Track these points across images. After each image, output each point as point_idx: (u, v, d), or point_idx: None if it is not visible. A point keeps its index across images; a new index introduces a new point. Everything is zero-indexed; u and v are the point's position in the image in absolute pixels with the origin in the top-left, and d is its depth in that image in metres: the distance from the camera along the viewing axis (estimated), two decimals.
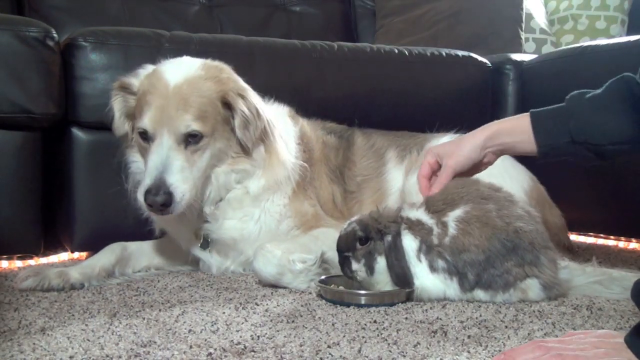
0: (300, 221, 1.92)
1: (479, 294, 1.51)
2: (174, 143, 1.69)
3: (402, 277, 1.51)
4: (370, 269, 1.55)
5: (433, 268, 1.51)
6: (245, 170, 1.84)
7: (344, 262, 1.58)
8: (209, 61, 1.85)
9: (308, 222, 1.92)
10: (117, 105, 1.85)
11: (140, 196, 1.68)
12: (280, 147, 1.88)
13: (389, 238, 1.52)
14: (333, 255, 1.72)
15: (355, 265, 1.56)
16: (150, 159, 1.70)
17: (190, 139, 1.71)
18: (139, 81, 1.80)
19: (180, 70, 1.77)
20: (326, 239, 1.82)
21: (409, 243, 1.52)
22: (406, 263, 1.51)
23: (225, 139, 1.79)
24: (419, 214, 1.56)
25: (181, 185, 1.67)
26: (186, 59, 1.86)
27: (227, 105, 1.78)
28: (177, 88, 1.71)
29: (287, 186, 1.92)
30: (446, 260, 1.49)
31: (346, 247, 1.58)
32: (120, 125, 1.86)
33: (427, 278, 1.51)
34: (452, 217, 1.52)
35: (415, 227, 1.54)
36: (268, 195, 1.90)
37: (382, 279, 1.55)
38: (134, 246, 1.97)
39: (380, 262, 1.53)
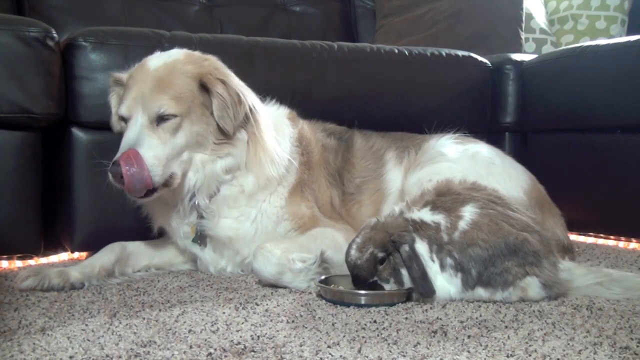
0: (298, 224, 1.92)
1: (480, 292, 1.51)
2: (146, 121, 1.71)
3: (427, 286, 1.49)
4: (400, 283, 1.53)
5: (442, 266, 1.51)
6: (228, 154, 1.82)
7: (375, 289, 1.54)
8: (197, 52, 1.88)
9: (305, 225, 1.91)
10: (113, 101, 1.90)
11: (109, 171, 1.68)
12: (266, 137, 1.86)
13: (406, 248, 1.50)
14: (332, 254, 1.72)
15: (387, 287, 1.54)
16: (124, 137, 1.72)
17: (165, 117, 1.73)
18: (128, 73, 1.84)
19: (162, 57, 1.82)
20: (325, 239, 1.82)
21: (419, 247, 1.52)
22: (424, 268, 1.50)
23: (204, 123, 1.79)
24: (422, 214, 1.56)
25: (151, 159, 1.67)
26: (175, 50, 1.88)
27: (205, 89, 1.78)
28: (155, 71, 1.76)
29: (283, 187, 1.92)
30: (454, 258, 1.50)
31: (370, 273, 1.53)
32: (116, 121, 1.88)
33: (437, 279, 1.51)
34: (467, 211, 1.51)
35: (421, 228, 1.53)
36: (264, 195, 1.90)
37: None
38: (133, 246, 1.97)
39: (405, 274, 1.52)
